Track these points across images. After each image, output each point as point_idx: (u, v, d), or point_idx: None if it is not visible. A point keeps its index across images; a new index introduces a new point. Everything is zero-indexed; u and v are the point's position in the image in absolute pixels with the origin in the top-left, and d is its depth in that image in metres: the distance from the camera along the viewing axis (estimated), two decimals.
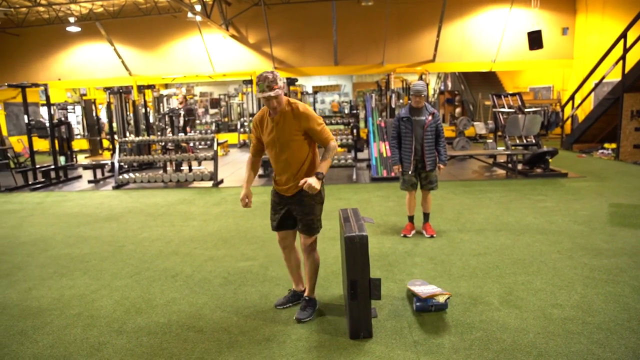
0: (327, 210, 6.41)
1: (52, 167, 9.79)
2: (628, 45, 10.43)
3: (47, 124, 9.85)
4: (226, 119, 20.71)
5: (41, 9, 16.35)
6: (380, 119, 9.37)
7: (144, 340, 2.97)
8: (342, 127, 15.38)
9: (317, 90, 23.05)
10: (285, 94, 3.10)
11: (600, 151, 11.24)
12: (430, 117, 4.76)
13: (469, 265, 4.06)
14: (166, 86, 22.41)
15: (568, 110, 13.72)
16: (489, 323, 3.01)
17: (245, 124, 14.90)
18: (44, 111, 17.47)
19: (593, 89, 12.73)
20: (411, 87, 4.86)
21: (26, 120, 9.41)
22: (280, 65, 16.95)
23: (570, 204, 6.26)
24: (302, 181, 2.93)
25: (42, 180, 9.62)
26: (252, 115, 14.05)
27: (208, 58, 17.10)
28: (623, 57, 10.43)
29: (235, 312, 3.32)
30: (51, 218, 6.58)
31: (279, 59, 16.89)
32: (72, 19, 16.48)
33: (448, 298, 3.19)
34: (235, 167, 11.46)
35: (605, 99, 11.44)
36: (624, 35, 10.49)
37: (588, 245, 4.50)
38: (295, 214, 3.15)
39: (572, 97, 13.13)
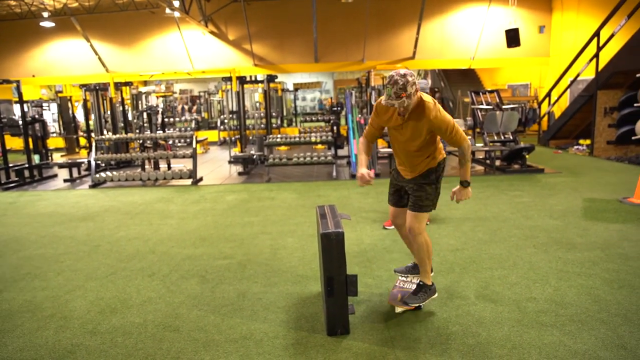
0: (306, 206, 6.43)
1: (26, 165, 9.56)
2: (601, 43, 10.65)
3: (20, 122, 9.60)
4: (206, 116, 20.51)
5: (12, 2, 15.92)
6: (360, 116, 9.39)
7: (118, 340, 2.92)
8: (322, 124, 15.37)
9: (297, 87, 23.01)
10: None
11: (576, 147, 11.47)
12: None
13: (446, 261, 4.10)
14: (145, 83, 22.10)
15: (545, 107, 13.96)
16: (465, 317, 3.05)
17: (226, 121, 14.76)
18: (17, 108, 17.04)
19: (568, 86, 12.97)
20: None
21: None
22: (260, 62, 16.86)
23: (546, 199, 6.38)
24: (452, 195, 3.14)
25: (16, 179, 9.38)
26: (232, 112, 13.92)
27: (187, 55, 16.89)
28: (596, 56, 10.65)
29: (213, 311, 3.29)
30: (24, 218, 6.42)
31: (259, 56, 16.79)
32: (45, 14, 16.07)
33: (403, 311, 3.15)
34: (215, 165, 11.36)
35: (580, 96, 11.67)
36: (597, 34, 10.70)
37: (563, 239, 4.59)
38: (407, 190, 3.14)
39: (548, 94, 13.37)
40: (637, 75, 9.06)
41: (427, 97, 2.84)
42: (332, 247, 2.77)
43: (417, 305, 3.10)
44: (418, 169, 3.04)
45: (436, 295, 3.18)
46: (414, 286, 3.25)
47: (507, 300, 3.27)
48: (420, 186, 3.03)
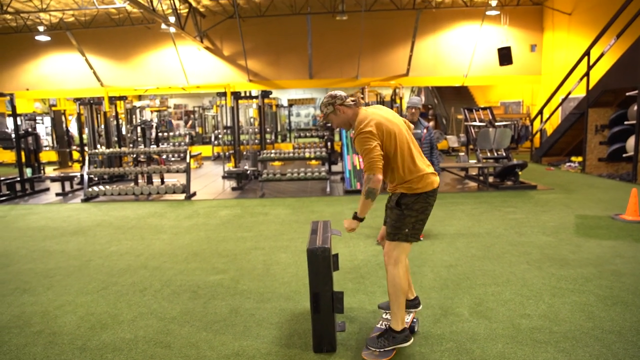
0: (300, 222, 6.42)
1: (18, 179, 9.48)
2: (591, 62, 10.82)
3: (13, 135, 9.56)
4: (200, 131, 20.52)
5: (8, 16, 15.98)
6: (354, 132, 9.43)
7: (108, 357, 2.87)
8: (316, 139, 15.42)
9: (292, 103, 23.12)
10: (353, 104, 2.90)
11: (568, 164, 11.57)
12: (425, 131, 5.27)
13: (440, 277, 4.09)
14: (139, 98, 22.12)
15: (537, 125, 14.11)
16: (459, 334, 3.03)
17: (220, 136, 14.78)
18: (10, 122, 16.99)
19: (560, 104, 13.14)
20: (408, 101, 5.25)
21: None
22: (255, 77, 16.97)
23: (539, 215, 6.40)
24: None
25: (7, 192, 9.29)
26: (226, 127, 13.94)
27: (182, 70, 16.98)
28: (587, 74, 10.81)
29: (205, 327, 3.24)
30: (14, 232, 6.35)
31: (253, 72, 16.90)
32: (41, 28, 16.15)
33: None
34: (208, 180, 11.33)
35: (571, 113, 11.81)
36: (587, 53, 10.89)
37: (556, 255, 4.59)
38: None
39: (540, 112, 13.53)
40: (627, 93, 9.20)
41: (363, 115, 2.82)
42: (318, 263, 2.75)
43: (378, 351, 2.72)
44: (393, 186, 2.89)
45: (408, 343, 2.75)
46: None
47: (501, 316, 3.26)
48: (391, 209, 2.87)
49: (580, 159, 11.34)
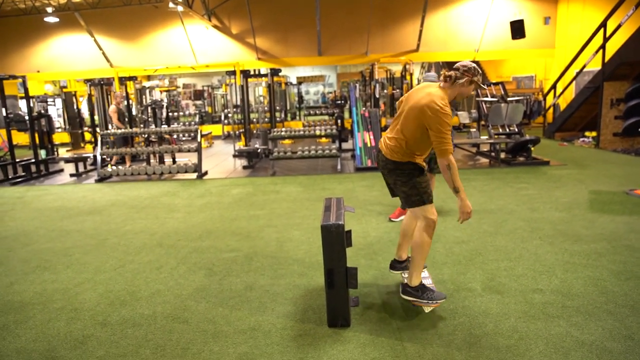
0: (311, 200, 6.46)
1: (33, 160, 9.61)
2: (607, 34, 10.56)
3: (27, 117, 9.65)
4: (210, 110, 20.52)
5: None
6: (364, 109, 9.37)
7: (128, 332, 2.96)
8: (326, 117, 15.37)
9: (301, 81, 22.98)
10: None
11: (581, 139, 11.41)
12: None
13: (452, 253, 4.11)
14: (148, 78, 22.12)
15: (550, 99, 13.88)
16: (471, 309, 3.06)
17: (229, 115, 14.78)
18: (23, 104, 17.13)
19: (574, 78, 12.88)
20: (423, 77, 5.16)
21: (4, 114, 9.20)
22: (264, 55, 16.84)
23: (552, 191, 6.37)
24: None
25: (23, 174, 9.44)
26: (236, 106, 13.93)
27: (191, 49, 16.89)
28: (603, 47, 10.56)
29: (221, 303, 3.32)
30: (32, 212, 6.47)
31: (262, 50, 16.77)
32: (49, 9, 16.11)
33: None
34: (219, 158, 11.39)
35: (585, 87, 11.59)
36: (603, 25, 10.61)
37: (568, 231, 4.59)
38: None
39: (553, 86, 13.29)
40: None
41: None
42: (332, 239, 2.78)
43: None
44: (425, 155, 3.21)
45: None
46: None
47: (514, 291, 3.28)
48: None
49: (594, 134, 11.18)
